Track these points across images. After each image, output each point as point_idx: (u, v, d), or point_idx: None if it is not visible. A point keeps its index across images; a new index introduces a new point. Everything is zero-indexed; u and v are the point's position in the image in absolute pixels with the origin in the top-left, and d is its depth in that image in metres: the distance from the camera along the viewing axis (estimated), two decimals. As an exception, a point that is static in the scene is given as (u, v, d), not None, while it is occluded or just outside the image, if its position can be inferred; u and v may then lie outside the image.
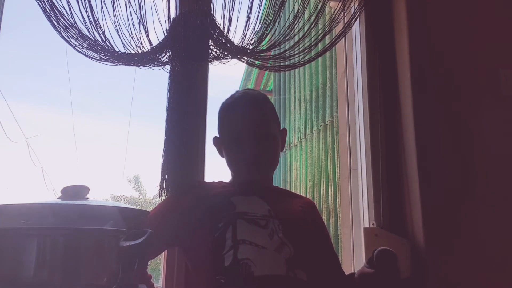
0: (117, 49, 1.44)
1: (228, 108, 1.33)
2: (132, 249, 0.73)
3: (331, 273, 1.27)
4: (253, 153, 1.25)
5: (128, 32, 1.43)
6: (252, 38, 1.52)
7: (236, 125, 1.29)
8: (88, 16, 1.41)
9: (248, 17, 1.50)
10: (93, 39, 1.42)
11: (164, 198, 1.39)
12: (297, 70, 3.68)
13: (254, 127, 1.27)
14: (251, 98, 1.34)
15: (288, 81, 4.07)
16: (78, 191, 0.92)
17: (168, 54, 1.48)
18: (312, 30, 1.60)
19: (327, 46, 1.66)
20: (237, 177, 1.31)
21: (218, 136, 1.36)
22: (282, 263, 1.10)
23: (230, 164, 1.31)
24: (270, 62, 1.61)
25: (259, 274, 1.06)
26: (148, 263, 1.15)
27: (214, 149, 1.37)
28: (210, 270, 1.11)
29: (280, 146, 1.34)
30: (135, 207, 1.14)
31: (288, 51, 1.60)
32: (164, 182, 1.40)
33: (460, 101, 1.53)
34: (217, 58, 1.51)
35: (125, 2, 1.43)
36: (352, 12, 1.64)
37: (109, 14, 1.42)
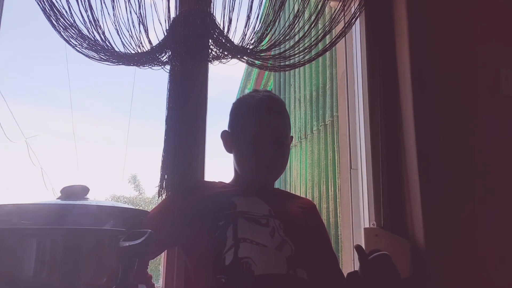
0: (117, 49, 1.44)
1: (250, 107, 1.31)
2: (132, 249, 0.73)
3: (330, 274, 1.27)
4: (268, 157, 1.24)
5: (128, 31, 1.43)
6: (252, 38, 1.52)
7: (257, 126, 1.27)
8: (87, 16, 1.41)
9: (248, 17, 1.50)
10: (92, 39, 1.42)
11: (164, 197, 1.39)
12: (297, 70, 3.68)
13: (275, 133, 1.26)
14: (276, 103, 1.32)
15: (288, 81, 4.07)
16: (78, 191, 0.92)
17: (168, 54, 1.48)
18: (312, 30, 1.60)
19: (327, 46, 1.66)
20: (242, 176, 1.30)
21: (228, 130, 1.33)
22: (283, 261, 1.10)
23: (240, 162, 1.30)
24: (270, 62, 1.61)
25: (259, 273, 1.06)
26: (148, 263, 1.15)
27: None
28: (211, 269, 1.10)
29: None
30: (134, 207, 1.14)
31: (288, 51, 1.60)
32: (164, 182, 1.40)
33: (460, 100, 1.53)
34: (217, 58, 1.51)
35: (125, 1, 1.43)
36: (352, 12, 1.64)
37: (108, 14, 1.42)
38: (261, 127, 1.27)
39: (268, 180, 1.32)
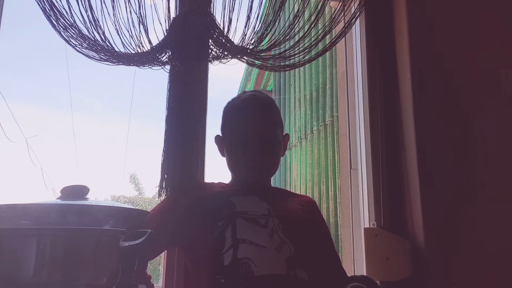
0: (117, 49, 1.44)
1: (235, 109, 1.32)
2: (132, 249, 0.73)
3: (332, 272, 1.27)
4: (255, 157, 1.26)
5: (128, 32, 1.43)
6: (252, 38, 1.52)
7: (241, 127, 1.29)
8: (88, 16, 1.41)
9: (248, 17, 1.50)
10: (92, 39, 1.42)
11: (163, 197, 1.39)
12: (297, 70, 3.68)
13: (260, 132, 1.27)
14: (259, 102, 1.33)
15: (288, 81, 4.07)
16: (78, 191, 0.92)
17: (168, 54, 1.48)
18: (312, 30, 1.60)
19: (327, 46, 1.66)
20: (236, 178, 1.32)
21: (220, 135, 1.35)
22: (282, 262, 1.10)
23: (231, 165, 1.31)
24: (270, 62, 1.61)
25: (259, 273, 1.06)
26: (148, 264, 1.15)
27: (214, 149, 1.37)
28: (210, 269, 1.11)
29: (280, 152, 1.34)
30: (135, 207, 1.14)
31: (288, 51, 1.60)
32: (164, 182, 1.40)
33: (460, 100, 1.53)
34: (217, 58, 1.51)
35: (125, 1, 1.43)
36: (352, 12, 1.64)
37: (109, 14, 1.42)
38: (245, 128, 1.28)
39: (261, 180, 1.32)
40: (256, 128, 1.27)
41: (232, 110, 1.33)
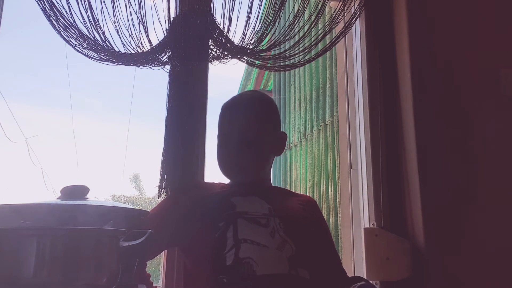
0: (116, 49, 1.44)
1: (223, 109, 1.34)
2: (132, 249, 0.73)
3: (332, 271, 1.27)
4: (233, 158, 1.27)
5: (128, 32, 1.43)
6: (252, 38, 1.52)
7: (223, 127, 1.31)
8: (87, 16, 1.41)
9: (248, 17, 1.50)
10: (92, 39, 1.42)
11: (163, 197, 1.39)
12: (297, 70, 3.68)
13: (237, 132, 1.27)
14: (242, 101, 1.34)
15: (288, 81, 4.07)
16: (78, 191, 0.92)
17: (168, 54, 1.48)
18: (312, 30, 1.60)
19: (327, 46, 1.66)
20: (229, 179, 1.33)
21: None
22: (284, 261, 1.10)
23: (218, 164, 1.32)
24: (270, 62, 1.61)
25: (261, 273, 1.06)
26: (147, 263, 1.15)
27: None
28: (211, 269, 1.11)
29: (270, 151, 1.32)
30: (135, 207, 1.14)
31: (288, 51, 1.60)
32: (164, 182, 1.40)
33: (460, 101, 1.53)
34: (217, 58, 1.51)
35: (125, 1, 1.43)
36: (352, 12, 1.64)
37: (108, 14, 1.42)
38: (226, 127, 1.30)
39: (242, 179, 1.30)
40: (233, 127, 1.28)
41: (221, 111, 1.35)
